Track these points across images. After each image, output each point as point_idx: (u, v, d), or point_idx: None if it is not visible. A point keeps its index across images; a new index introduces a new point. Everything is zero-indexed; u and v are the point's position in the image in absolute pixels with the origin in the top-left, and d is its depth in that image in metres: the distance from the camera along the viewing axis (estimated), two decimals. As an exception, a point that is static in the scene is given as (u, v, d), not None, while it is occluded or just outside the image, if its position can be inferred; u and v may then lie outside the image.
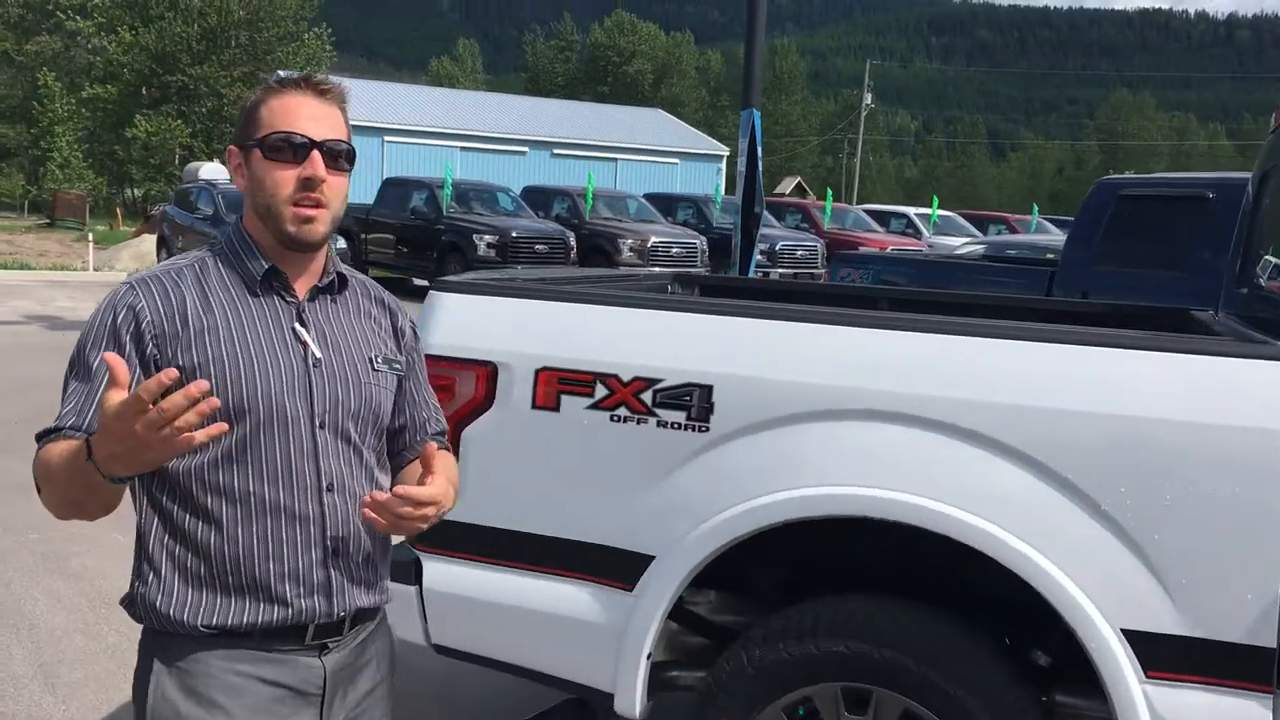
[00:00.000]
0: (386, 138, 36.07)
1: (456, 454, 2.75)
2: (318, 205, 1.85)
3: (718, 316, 2.68)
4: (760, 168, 9.61)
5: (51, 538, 5.70)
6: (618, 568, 2.70)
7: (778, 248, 20.28)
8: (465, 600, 2.87)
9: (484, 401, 2.81)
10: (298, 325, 1.89)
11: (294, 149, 1.82)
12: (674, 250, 19.40)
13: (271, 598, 1.82)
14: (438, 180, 19.64)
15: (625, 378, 2.67)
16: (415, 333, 2.10)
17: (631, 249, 19.00)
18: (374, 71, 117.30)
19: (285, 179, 1.83)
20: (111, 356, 1.57)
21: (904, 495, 2.43)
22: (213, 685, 1.80)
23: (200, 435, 1.54)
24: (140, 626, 1.88)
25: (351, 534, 1.88)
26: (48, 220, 36.35)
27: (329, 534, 1.85)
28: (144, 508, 1.84)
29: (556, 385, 2.74)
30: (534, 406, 2.77)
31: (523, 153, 41.15)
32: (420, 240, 18.70)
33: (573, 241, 18.59)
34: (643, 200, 22.27)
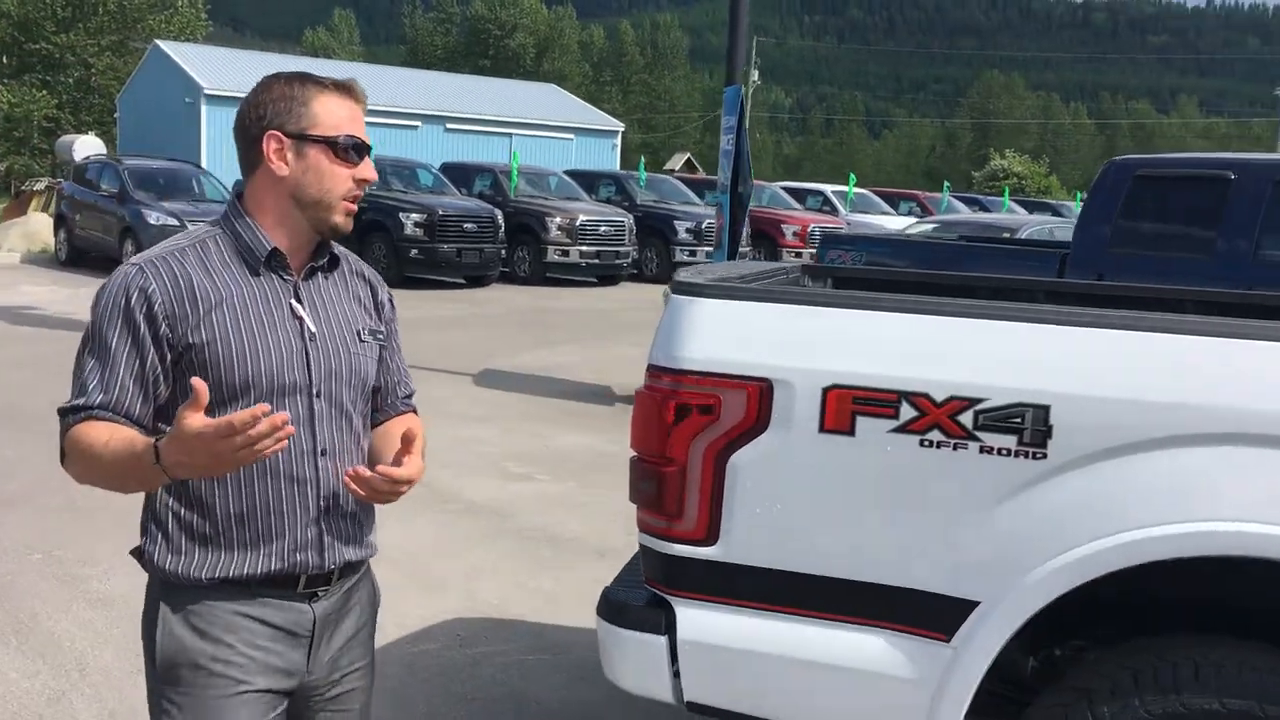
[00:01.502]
0: (274, 112, 34.56)
1: (721, 484, 2.40)
2: (358, 200, 2.11)
3: (1056, 326, 2.34)
4: (748, 146, 9.29)
5: (59, 558, 5.11)
6: (933, 615, 2.35)
7: (703, 225, 20.03)
8: (731, 653, 2.50)
9: (756, 424, 2.43)
10: (294, 302, 2.07)
11: (358, 153, 2.07)
12: (602, 229, 19.02)
13: (269, 552, 2.02)
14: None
15: (939, 397, 2.32)
16: (392, 304, 2.29)
17: (560, 228, 18.56)
18: (242, 42, 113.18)
19: (344, 177, 2.06)
20: (198, 382, 1.76)
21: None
22: (215, 624, 2.01)
23: (270, 450, 1.78)
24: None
25: (342, 494, 2.08)
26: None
27: (322, 494, 2.06)
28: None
29: (851, 405, 2.38)
30: (822, 429, 2.40)
31: (415, 127, 40.01)
32: (340, 219, 17.95)
33: (501, 220, 18.06)
34: (564, 176, 21.79)
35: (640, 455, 2.57)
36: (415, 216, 17.21)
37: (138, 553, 2.08)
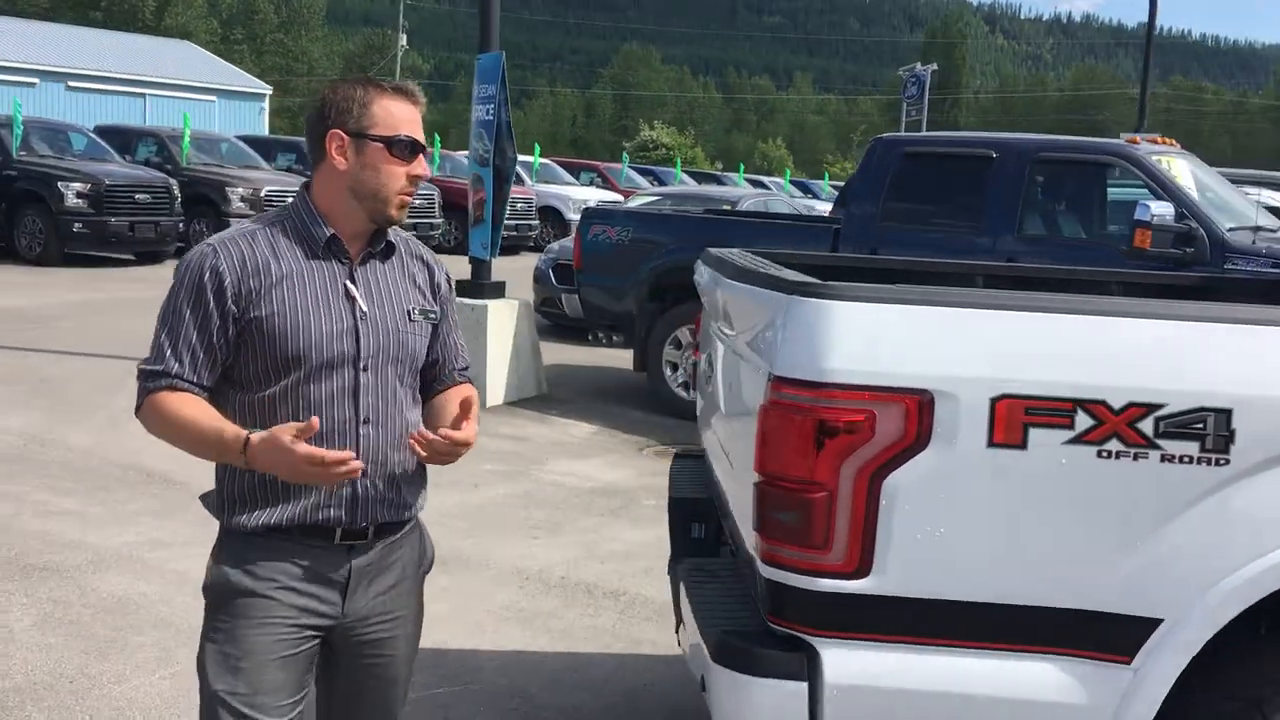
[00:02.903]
0: None
1: (875, 509, 2.17)
2: (412, 194, 2.32)
3: (1233, 325, 2.23)
4: (509, 117, 8.89)
5: (91, 626, 4.08)
6: (1112, 637, 2.20)
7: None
8: (885, 694, 2.25)
9: (916, 441, 2.19)
10: (348, 283, 2.29)
11: (412, 151, 2.27)
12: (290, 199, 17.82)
13: (309, 507, 2.24)
14: (2, 118, 16.63)
15: (1116, 404, 2.17)
16: (450, 284, 2.51)
17: (243, 199, 17.19)
18: None
19: (399, 173, 2.27)
20: (315, 421, 2.09)
21: None
22: (259, 565, 2.26)
23: (337, 478, 2.14)
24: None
25: (383, 461, 2.29)
26: None
27: (361, 458, 2.18)
28: None
29: (1022, 416, 2.18)
30: (990, 444, 2.19)
31: (31, 84, 36.08)
32: (-21, 191, 15.61)
33: (177, 190, 16.52)
34: (237, 142, 20.24)
35: (775, 481, 2.27)
36: (77, 186, 15.36)
37: (204, 499, 2.36)
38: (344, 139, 2.25)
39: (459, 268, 20.72)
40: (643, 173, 27.60)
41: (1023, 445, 2.18)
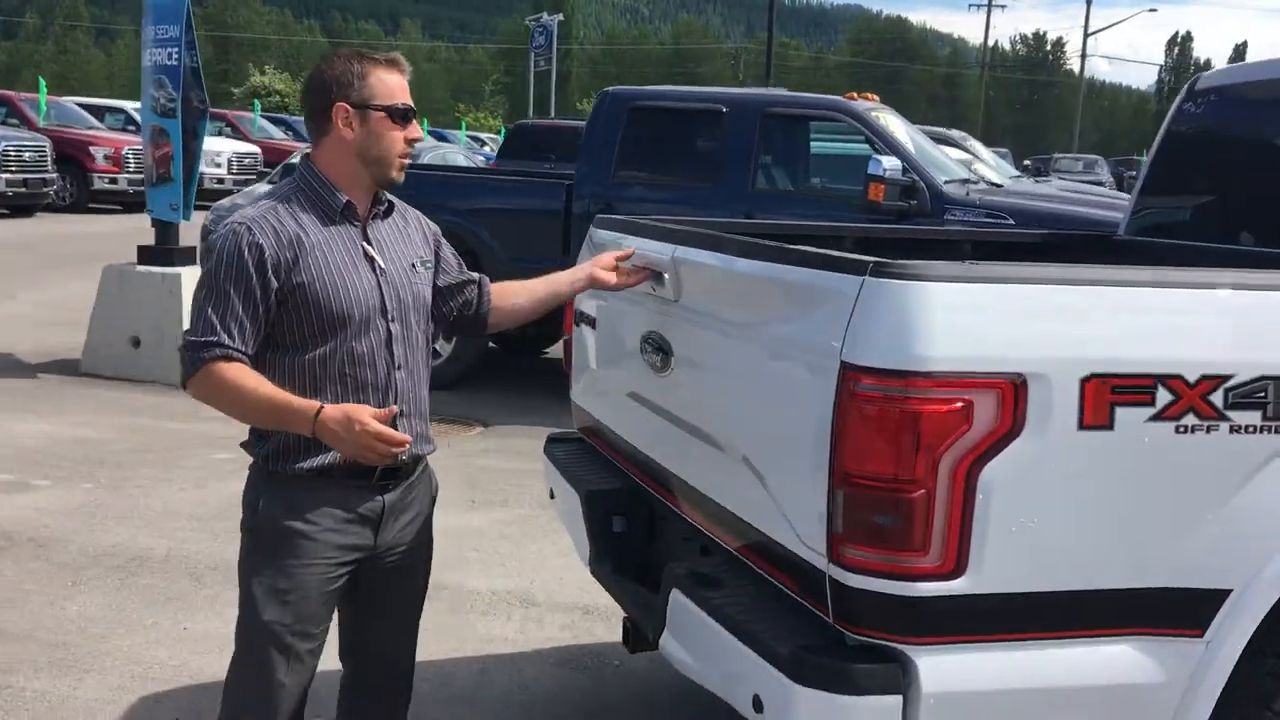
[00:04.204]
0: None
1: (971, 503, 2.04)
2: (410, 156, 2.54)
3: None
4: (199, 62, 7.98)
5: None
6: (1186, 611, 2.17)
7: (1, 149, 17.07)
8: (983, 697, 2.12)
9: (1011, 429, 2.05)
10: (365, 244, 2.50)
11: (406, 117, 2.48)
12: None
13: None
14: None
15: (1191, 377, 2.12)
16: (437, 231, 2.73)
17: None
18: None
19: (399, 138, 2.48)
20: (394, 409, 2.40)
21: None
22: (304, 506, 2.44)
23: (388, 456, 2.35)
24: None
25: (413, 400, 2.55)
26: None
27: (399, 401, 2.47)
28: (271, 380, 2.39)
29: (1109, 396, 2.09)
30: (1081, 427, 2.08)
31: None
32: None
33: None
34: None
35: (863, 482, 2.06)
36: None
37: (247, 445, 2.53)
38: (349, 111, 2.44)
39: (81, 228, 19.37)
40: (276, 122, 25.98)
41: (1110, 426, 2.09)
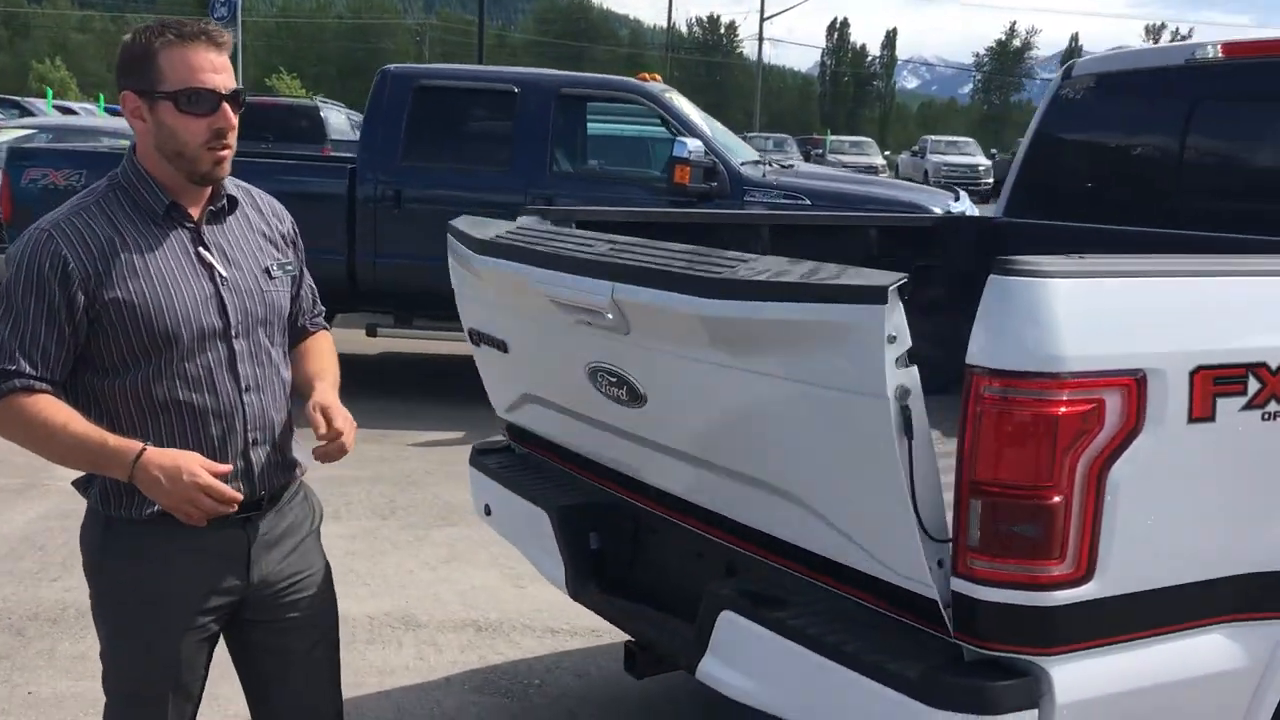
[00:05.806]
0: None
1: (1101, 505, 1.99)
2: (226, 148, 2.10)
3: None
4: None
5: None
6: (1269, 595, 2.20)
7: None
8: (1115, 699, 2.07)
9: (1135, 427, 2.00)
10: (201, 249, 2.15)
11: (206, 102, 2.05)
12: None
13: None
14: None
15: (1274, 364, 2.15)
16: (295, 229, 2.36)
17: None
18: None
19: (199, 128, 2.06)
20: (227, 468, 2.09)
21: None
22: (154, 558, 2.14)
23: (210, 514, 2.05)
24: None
25: (267, 425, 2.22)
26: None
27: (249, 428, 2.18)
28: (91, 417, 2.07)
29: (1212, 388, 2.08)
30: (1190, 420, 2.06)
31: None
32: None
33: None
34: None
35: (1004, 490, 1.95)
36: None
37: (77, 485, 2.22)
38: (136, 100, 2.08)
39: None
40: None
41: (1212, 417, 2.09)
